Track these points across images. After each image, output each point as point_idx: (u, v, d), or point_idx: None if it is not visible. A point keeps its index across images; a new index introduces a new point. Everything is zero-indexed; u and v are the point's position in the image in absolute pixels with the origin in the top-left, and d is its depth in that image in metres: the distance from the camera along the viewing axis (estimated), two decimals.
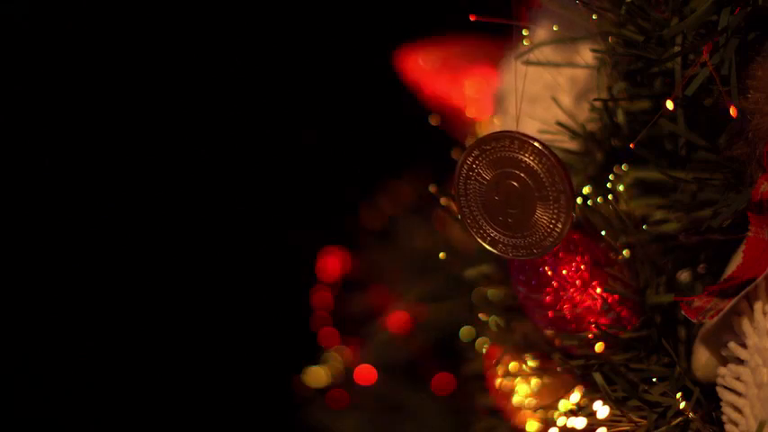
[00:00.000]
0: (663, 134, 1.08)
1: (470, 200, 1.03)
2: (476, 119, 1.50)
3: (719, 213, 1.03)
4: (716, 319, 0.99)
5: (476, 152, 1.02)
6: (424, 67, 1.54)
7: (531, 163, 1.00)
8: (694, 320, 1.01)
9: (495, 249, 1.04)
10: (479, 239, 1.04)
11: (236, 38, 1.94)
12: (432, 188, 1.20)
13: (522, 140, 1.00)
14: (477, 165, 1.02)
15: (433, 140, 1.44)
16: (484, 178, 1.02)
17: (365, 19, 1.88)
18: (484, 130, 1.41)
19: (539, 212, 1.01)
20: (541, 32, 1.19)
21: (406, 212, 1.61)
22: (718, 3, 0.99)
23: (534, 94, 1.20)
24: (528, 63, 1.12)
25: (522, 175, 1.00)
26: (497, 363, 1.18)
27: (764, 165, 1.01)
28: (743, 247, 1.02)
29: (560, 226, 1.00)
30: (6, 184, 1.92)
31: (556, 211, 1.00)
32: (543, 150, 0.99)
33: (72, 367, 1.93)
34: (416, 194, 1.59)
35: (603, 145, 1.13)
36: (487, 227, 1.03)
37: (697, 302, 1.01)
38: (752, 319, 1.00)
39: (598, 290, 1.08)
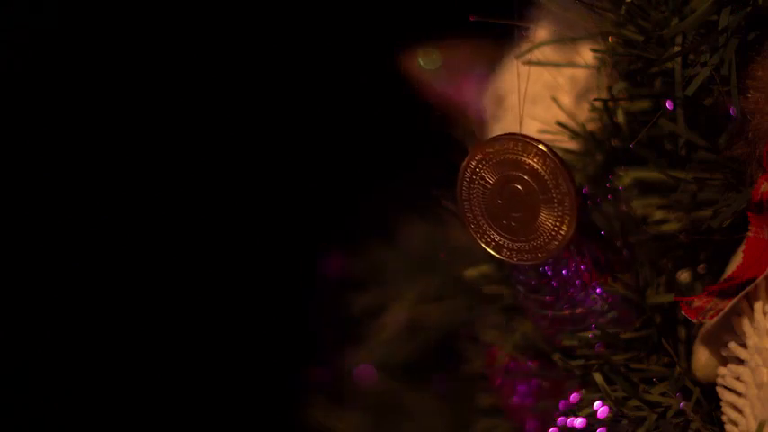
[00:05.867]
0: (663, 134, 1.08)
1: (474, 204, 1.03)
2: (476, 120, 1.50)
3: (719, 213, 1.03)
4: (716, 319, 0.99)
5: (479, 156, 1.01)
6: (425, 67, 1.54)
7: (535, 165, 1.00)
8: (694, 320, 1.01)
9: (500, 254, 1.03)
10: (483, 245, 1.03)
11: (237, 38, 1.94)
12: (433, 189, 1.20)
13: (525, 143, 1.00)
14: (480, 169, 1.02)
15: (435, 141, 1.44)
16: (487, 182, 1.02)
17: (367, 19, 1.88)
18: (484, 131, 1.41)
19: (543, 215, 1.00)
20: (541, 32, 1.19)
21: (406, 212, 1.60)
22: (718, 3, 0.99)
23: (534, 94, 1.20)
24: (528, 63, 1.12)
25: (526, 177, 1.00)
26: (497, 363, 1.18)
27: (764, 165, 1.01)
28: (743, 247, 1.02)
29: (565, 228, 1.00)
30: (6, 184, 1.93)
31: (560, 213, 1.00)
32: (547, 152, 0.99)
33: (70, 367, 1.93)
34: (417, 195, 1.59)
35: (603, 145, 1.13)
36: (491, 232, 1.03)
37: (697, 302, 1.01)
38: (752, 319, 1.00)
39: (598, 290, 1.08)
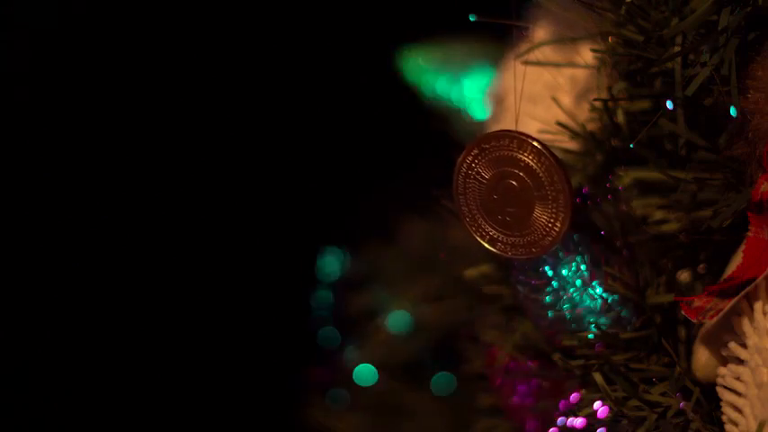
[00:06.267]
0: (663, 134, 1.08)
1: (469, 199, 1.03)
2: (475, 119, 1.50)
3: (719, 213, 1.03)
4: (716, 319, 0.99)
5: (475, 151, 1.02)
6: (424, 67, 1.54)
7: (530, 162, 1.00)
8: (694, 320, 1.01)
9: (494, 248, 1.04)
10: (478, 238, 1.04)
11: (236, 38, 1.94)
12: (432, 188, 1.20)
13: (521, 140, 1.00)
14: (476, 164, 1.02)
15: (434, 140, 1.44)
16: (483, 177, 1.02)
17: (366, 19, 1.88)
18: (483, 129, 1.41)
19: (537, 211, 1.01)
20: (541, 32, 1.19)
21: (406, 212, 1.61)
22: (718, 3, 0.99)
23: (534, 93, 1.21)
24: (528, 63, 1.12)
25: (521, 174, 1.01)
26: (497, 363, 1.18)
27: (764, 165, 1.01)
28: (743, 247, 1.02)
29: (559, 225, 1.01)
30: (6, 184, 1.93)
31: (554, 210, 1.00)
32: (542, 150, 1.00)
33: (70, 367, 1.93)
34: (416, 194, 1.59)
35: (603, 145, 1.13)
36: (486, 225, 1.03)
37: (697, 302, 1.01)
38: (752, 319, 1.00)
39: (598, 290, 1.08)
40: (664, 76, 1.06)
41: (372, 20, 1.85)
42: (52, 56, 1.94)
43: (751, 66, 1.01)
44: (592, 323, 1.08)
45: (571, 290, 1.09)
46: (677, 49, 1.02)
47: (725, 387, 1.02)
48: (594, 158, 1.14)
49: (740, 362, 1.00)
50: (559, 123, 1.14)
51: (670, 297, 1.08)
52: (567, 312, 1.09)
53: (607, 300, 1.08)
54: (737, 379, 1.00)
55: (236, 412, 1.94)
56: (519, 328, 1.16)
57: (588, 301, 1.09)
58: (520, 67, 1.10)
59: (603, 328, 1.08)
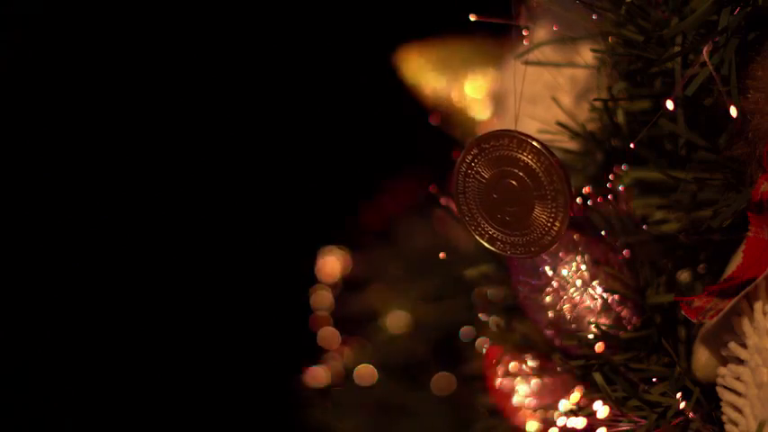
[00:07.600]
0: (663, 134, 1.08)
1: (469, 198, 1.03)
2: (475, 119, 1.50)
3: (719, 213, 1.03)
4: (716, 319, 0.99)
5: (475, 151, 1.02)
6: (424, 67, 1.54)
7: (530, 162, 1.00)
8: (694, 320, 1.01)
9: (494, 247, 1.04)
10: (478, 237, 1.04)
11: (236, 38, 1.94)
12: (431, 188, 1.20)
13: (520, 139, 1.00)
14: (476, 163, 1.02)
15: (433, 140, 1.44)
16: (483, 177, 1.02)
17: (365, 19, 1.88)
18: (483, 129, 1.41)
19: (537, 211, 1.01)
20: (541, 32, 1.19)
21: (406, 212, 1.61)
22: (718, 3, 0.99)
23: (534, 93, 1.21)
24: (528, 63, 1.12)
25: (521, 173, 1.01)
26: (497, 363, 1.18)
27: (764, 165, 1.01)
28: (743, 247, 1.02)
29: (558, 224, 1.01)
30: (6, 185, 1.93)
31: (554, 209, 1.00)
32: (541, 149, 1.00)
33: (72, 368, 1.93)
34: (416, 194, 1.59)
35: (603, 145, 1.13)
36: (486, 225, 1.03)
37: (697, 302, 1.01)
38: (752, 319, 1.00)
39: (598, 290, 1.08)
40: (664, 76, 1.06)
41: (372, 20, 1.85)
42: (47, 55, 1.94)
43: (751, 66, 1.01)
44: (592, 323, 1.08)
45: (571, 290, 1.09)
46: (677, 49, 1.02)
47: (725, 387, 1.02)
48: (594, 158, 1.14)
49: (740, 362, 1.00)
50: (559, 123, 1.14)
51: (670, 297, 1.08)
52: (566, 312, 1.09)
53: (607, 300, 1.08)
54: (737, 379, 1.00)
55: (237, 412, 1.94)
56: (519, 328, 1.16)
57: (588, 301, 1.09)
58: (520, 67, 1.10)
59: (603, 328, 1.08)
